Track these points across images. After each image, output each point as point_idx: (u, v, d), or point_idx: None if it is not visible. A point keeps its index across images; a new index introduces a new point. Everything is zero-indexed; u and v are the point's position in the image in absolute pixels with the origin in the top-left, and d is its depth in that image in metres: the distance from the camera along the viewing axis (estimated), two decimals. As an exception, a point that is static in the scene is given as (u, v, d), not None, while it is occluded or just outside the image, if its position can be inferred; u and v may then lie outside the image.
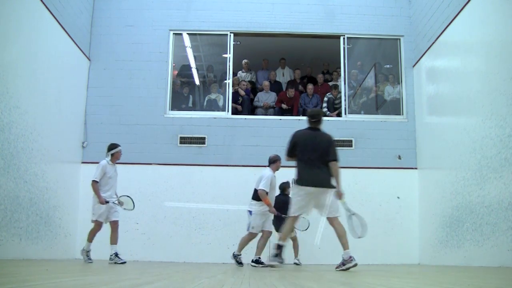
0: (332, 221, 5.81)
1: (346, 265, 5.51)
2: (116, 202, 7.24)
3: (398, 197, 9.33)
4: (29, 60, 7.31)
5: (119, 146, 7.35)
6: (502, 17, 6.48)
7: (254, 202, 7.18)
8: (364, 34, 10.20)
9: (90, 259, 7.12)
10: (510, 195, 6.07)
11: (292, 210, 5.95)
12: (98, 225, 7.12)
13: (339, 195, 5.85)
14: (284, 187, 8.05)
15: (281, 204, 7.38)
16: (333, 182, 5.82)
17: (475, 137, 7.10)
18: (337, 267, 5.62)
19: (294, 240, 8.30)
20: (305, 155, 5.81)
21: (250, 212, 7.25)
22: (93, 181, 7.08)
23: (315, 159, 5.78)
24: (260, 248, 7.21)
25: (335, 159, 5.80)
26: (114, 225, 7.20)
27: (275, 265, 5.82)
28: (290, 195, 7.72)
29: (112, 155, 7.25)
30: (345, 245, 5.65)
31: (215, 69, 10.89)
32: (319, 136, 5.93)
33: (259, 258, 7.18)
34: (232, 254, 7.27)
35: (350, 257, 5.54)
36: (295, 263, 8.29)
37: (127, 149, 9.42)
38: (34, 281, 3.01)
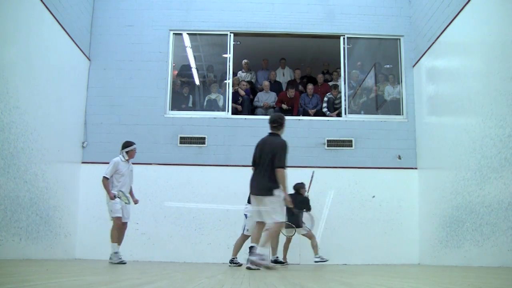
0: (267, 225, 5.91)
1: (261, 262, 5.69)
2: (132, 201, 7.21)
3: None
4: (29, 60, 7.31)
5: (134, 144, 7.36)
6: (502, 17, 6.48)
7: (249, 205, 7.26)
8: (364, 34, 10.20)
9: (120, 258, 6.94)
10: (510, 195, 6.07)
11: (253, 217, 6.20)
12: (118, 220, 6.97)
13: (287, 202, 5.90)
14: (298, 187, 8.25)
15: (298, 203, 7.61)
16: (276, 188, 5.83)
17: (475, 137, 7.10)
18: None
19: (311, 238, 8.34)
20: (256, 161, 5.95)
21: (245, 215, 7.34)
22: (104, 177, 7.01)
23: (261, 166, 5.88)
24: (274, 248, 7.54)
25: (279, 166, 5.76)
26: (123, 226, 7.17)
27: (253, 268, 5.84)
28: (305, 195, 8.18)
29: (127, 152, 7.25)
30: (261, 243, 5.77)
31: (215, 69, 10.88)
32: (270, 142, 5.96)
33: (277, 257, 7.60)
34: (229, 260, 7.33)
35: (262, 255, 5.67)
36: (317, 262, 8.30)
37: (127, 149, 9.44)
38: (34, 281, 3.01)
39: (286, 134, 9.59)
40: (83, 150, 9.44)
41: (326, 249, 8.54)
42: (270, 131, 6.10)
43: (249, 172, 8.85)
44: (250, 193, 6.06)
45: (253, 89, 10.79)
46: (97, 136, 9.47)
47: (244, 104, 10.20)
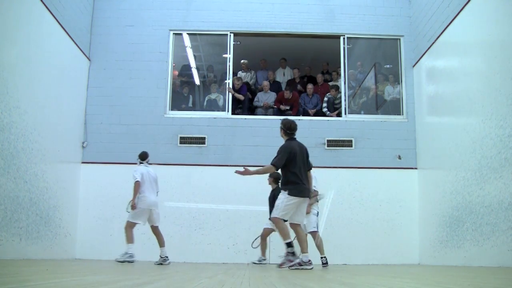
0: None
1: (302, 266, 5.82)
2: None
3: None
4: (29, 60, 7.31)
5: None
6: (502, 17, 6.48)
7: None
8: (364, 34, 10.20)
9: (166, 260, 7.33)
10: (510, 195, 6.07)
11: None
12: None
13: None
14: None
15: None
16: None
17: (475, 137, 7.10)
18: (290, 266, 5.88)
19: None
20: (297, 165, 6.06)
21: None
22: None
23: (303, 170, 6.15)
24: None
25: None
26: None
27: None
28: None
29: None
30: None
31: (215, 69, 10.88)
32: (301, 146, 6.26)
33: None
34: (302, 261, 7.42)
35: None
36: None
37: (127, 149, 9.43)
38: (34, 281, 3.01)
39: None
40: (83, 150, 9.44)
41: (326, 249, 8.53)
42: (293, 136, 6.26)
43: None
44: (300, 196, 6.03)
45: (250, 89, 10.73)
46: (97, 136, 9.47)
47: (244, 104, 10.19)
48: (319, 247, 7.36)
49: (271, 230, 8.09)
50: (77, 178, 9.21)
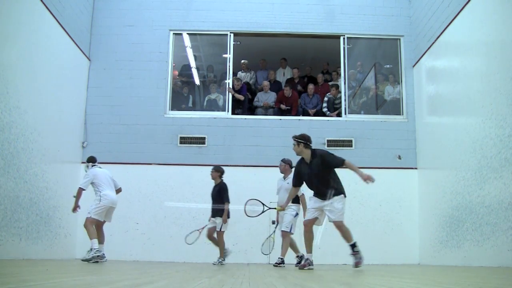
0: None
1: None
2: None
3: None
4: (29, 60, 7.31)
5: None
6: (502, 17, 6.48)
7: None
8: (364, 34, 10.21)
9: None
10: (510, 195, 6.07)
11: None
12: None
13: None
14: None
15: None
16: None
17: (475, 137, 7.10)
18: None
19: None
20: None
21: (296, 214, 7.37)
22: None
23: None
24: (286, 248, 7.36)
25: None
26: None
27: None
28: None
29: None
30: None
31: (215, 69, 10.88)
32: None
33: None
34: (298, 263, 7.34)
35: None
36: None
37: (127, 149, 9.45)
38: (34, 281, 3.01)
39: (284, 134, 9.68)
40: (83, 150, 9.44)
41: (326, 249, 8.54)
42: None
43: (249, 172, 8.93)
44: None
45: (250, 89, 10.73)
46: (97, 136, 9.47)
47: (244, 104, 10.19)
48: (283, 246, 7.29)
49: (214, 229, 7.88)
50: (77, 178, 9.19)
